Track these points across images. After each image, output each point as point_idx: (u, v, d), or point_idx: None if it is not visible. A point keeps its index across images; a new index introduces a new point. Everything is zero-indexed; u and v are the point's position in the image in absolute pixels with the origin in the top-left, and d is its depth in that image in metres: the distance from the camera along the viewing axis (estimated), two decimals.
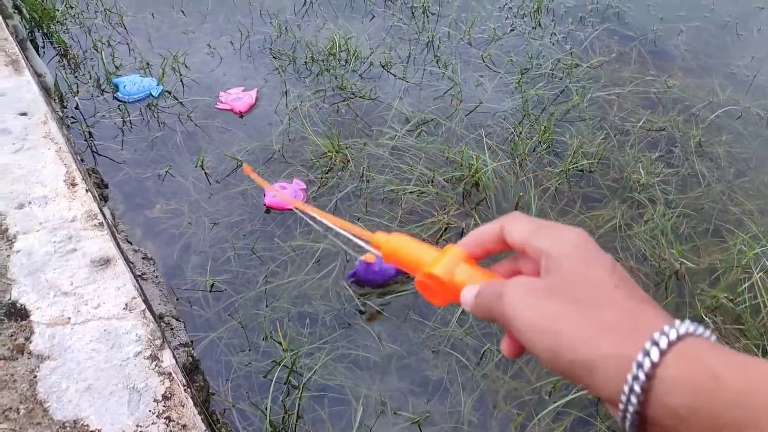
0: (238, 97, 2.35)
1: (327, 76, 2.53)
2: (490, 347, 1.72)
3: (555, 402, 1.62)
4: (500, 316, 0.41)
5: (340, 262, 1.90)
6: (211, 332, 1.71)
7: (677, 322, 0.35)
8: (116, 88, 2.32)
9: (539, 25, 2.86)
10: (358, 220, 2.00)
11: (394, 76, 2.56)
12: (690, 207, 2.09)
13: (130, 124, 2.27)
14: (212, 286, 1.81)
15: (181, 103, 2.37)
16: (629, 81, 2.57)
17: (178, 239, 1.94)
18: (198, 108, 2.36)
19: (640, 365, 0.33)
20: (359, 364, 1.69)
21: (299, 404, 1.55)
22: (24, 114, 1.34)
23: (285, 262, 1.90)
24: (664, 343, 0.34)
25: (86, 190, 1.21)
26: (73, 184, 1.23)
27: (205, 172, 2.13)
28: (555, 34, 2.80)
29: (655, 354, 0.33)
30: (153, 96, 2.33)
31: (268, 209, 2.03)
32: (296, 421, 1.52)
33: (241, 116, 2.34)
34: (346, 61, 2.61)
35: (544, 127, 2.28)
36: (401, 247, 0.51)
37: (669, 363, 0.33)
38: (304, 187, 2.06)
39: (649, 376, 0.33)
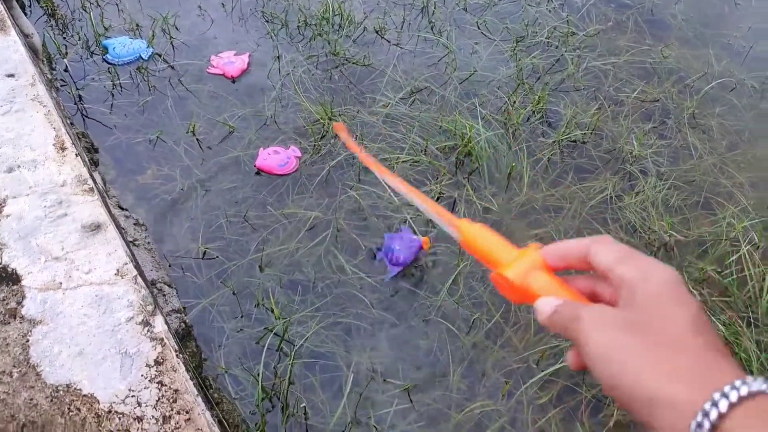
0: (230, 62, 2.31)
1: (320, 41, 2.49)
2: (480, 316, 1.74)
3: (543, 371, 1.65)
4: (574, 337, 0.42)
5: (332, 231, 1.90)
6: (204, 299, 1.72)
7: (750, 378, 0.35)
8: (105, 50, 2.27)
9: None
10: (351, 188, 2.00)
11: (388, 42, 2.52)
12: (681, 179, 2.10)
13: (120, 87, 2.23)
14: (204, 253, 1.81)
15: (171, 66, 2.33)
16: (625, 50, 2.54)
17: (170, 205, 1.93)
18: (189, 72, 2.33)
19: (706, 414, 0.33)
20: (350, 332, 1.71)
21: (291, 371, 1.57)
22: (11, 76, 1.32)
23: (277, 230, 1.90)
24: (734, 397, 0.33)
25: (76, 155, 1.20)
26: (63, 149, 1.21)
27: (197, 138, 2.11)
28: (552, 1, 2.75)
29: (723, 405, 0.33)
30: (143, 59, 2.29)
31: (259, 171, 2.02)
32: (287, 387, 1.54)
33: (233, 81, 2.30)
34: (340, 26, 2.56)
35: (539, 97, 2.27)
36: (482, 238, 0.51)
37: (736, 416, 0.33)
38: (299, 155, 2.05)
39: (714, 426, 0.33)
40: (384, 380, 1.60)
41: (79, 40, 2.36)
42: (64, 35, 2.40)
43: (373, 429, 1.53)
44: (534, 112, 2.26)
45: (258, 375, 1.54)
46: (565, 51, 2.52)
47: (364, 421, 1.54)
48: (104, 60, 2.28)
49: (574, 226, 1.98)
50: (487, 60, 2.46)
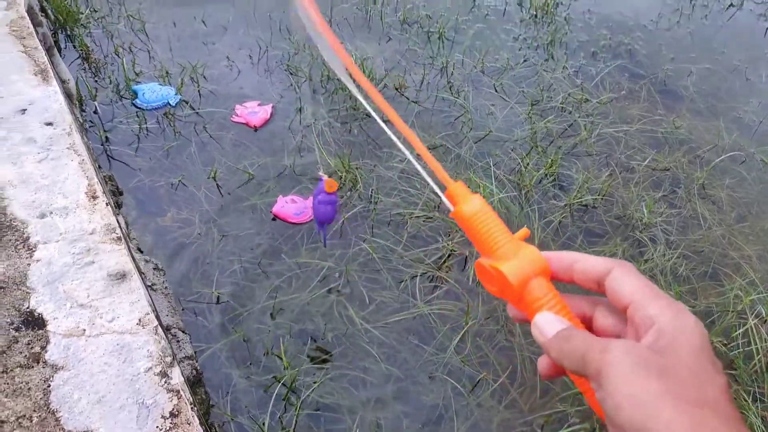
0: (253, 111, 2.40)
1: (341, 95, 2.58)
2: (486, 376, 1.75)
3: None
4: (595, 370, 0.38)
5: (343, 282, 1.94)
6: (214, 344, 1.74)
7: None
8: (135, 94, 2.36)
9: (552, 57, 2.91)
10: (364, 241, 2.04)
11: (408, 99, 2.61)
12: (690, 249, 2.13)
13: (147, 131, 2.31)
14: (218, 298, 1.85)
15: (197, 113, 2.42)
16: (637, 119, 2.61)
17: (187, 249, 1.98)
18: (214, 119, 2.41)
19: None
20: (357, 384, 1.73)
21: (296, 422, 1.58)
22: (50, 124, 1.39)
23: (290, 278, 1.94)
24: None
25: (106, 204, 1.25)
26: (94, 197, 1.27)
27: (217, 184, 2.17)
28: (567, 67, 2.84)
29: None
30: (170, 105, 2.38)
31: (275, 218, 2.07)
32: None
33: (256, 130, 2.38)
34: None
35: (552, 160, 2.33)
36: (479, 213, 0.45)
37: None
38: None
39: None
40: None
41: (110, 83, 2.46)
42: (96, 78, 2.50)
43: None
44: (546, 175, 2.31)
45: (264, 425, 1.55)
46: (579, 117, 2.59)
47: None
48: (133, 104, 2.37)
49: (581, 292, 2.00)
50: (502, 121, 2.54)
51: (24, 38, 1.62)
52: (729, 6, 3.56)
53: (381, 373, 1.75)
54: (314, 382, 1.66)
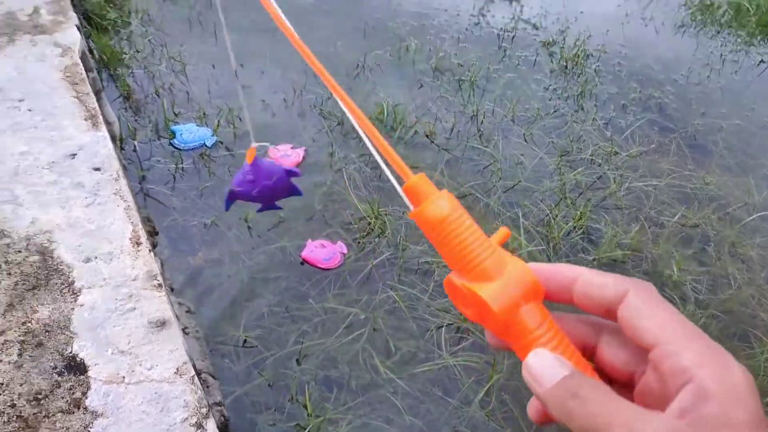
0: (286, 154, 2.45)
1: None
2: None
3: None
4: None
5: (368, 329, 1.94)
6: (239, 388, 1.76)
7: None
8: (173, 134, 2.44)
9: (582, 108, 2.94)
10: (391, 288, 2.06)
11: (438, 146, 2.65)
12: (720, 308, 2.10)
13: (182, 171, 2.38)
14: (245, 341, 1.86)
15: (231, 154, 2.48)
16: (667, 173, 2.61)
17: (216, 289, 2.01)
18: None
19: None
20: None
21: None
22: (98, 169, 1.44)
23: (316, 324, 1.95)
24: None
25: (149, 251, 1.29)
26: (138, 243, 1.30)
27: (248, 226, 2.21)
28: (596, 119, 2.87)
29: None
30: (206, 146, 2.44)
31: (303, 262, 2.10)
32: None
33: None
34: (392, 128, 2.71)
35: (580, 213, 2.33)
36: (449, 217, 0.34)
37: None
38: (345, 251, 2.13)
39: None
40: None
41: (149, 123, 2.55)
42: (136, 117, 2.58)
43: None
44: (575, 227, 2.32)
45: None
46: (608, 169, 2.60)
47: None
48: (170, 144, 2.44)
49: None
50: (531, 171, 2.56)
51: (76, 84, 1.69)
52: (759, 62, 3.58)
53: (404, 424, 1.74)
54: (338, 431, 1.66)
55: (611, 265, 2.22)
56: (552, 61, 3.27)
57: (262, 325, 1.92)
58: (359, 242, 2.20)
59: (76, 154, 1.46)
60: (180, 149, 2.43)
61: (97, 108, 1.60)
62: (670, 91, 3.14)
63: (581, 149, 2.68)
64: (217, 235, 2.18)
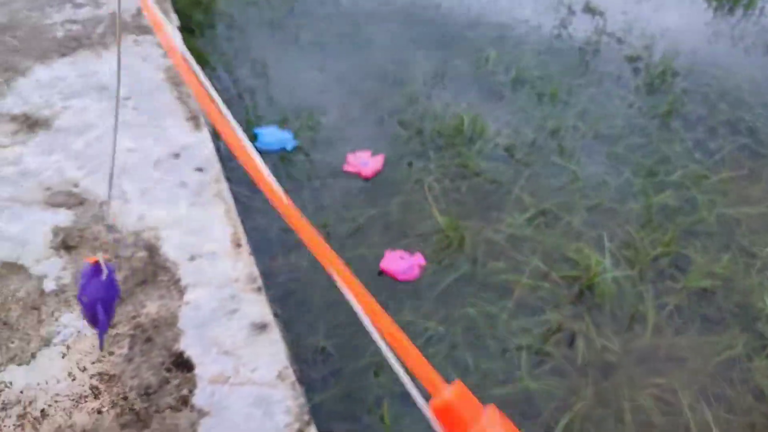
0: (365, 162, 2.46)
1: (451, 152, 2.60)
2: None
3: None
4: None
5: (446, 345, 1.91)
6: (316, 396, 1.75)
7: None
8: (255, 137, 2.48)
9: (669, 129, 2.84)
10: (469, 305, 2.02)
11: (517, 161, 2.60)
12: None
13: None
14: (323, 349, 1.86)
15: (310, 160, 2.51)
16: (759, 201, 2.48)
17: (294, 295, 2.02)
18: (326, 166, 2.48)
19: None
20: None
21: None
22: (200, 170, 1.47)
23: None
24: None
25: (249, 253, 1.30)
26: (238, 245, 1.32)
27: (327, 232, 2.22)
28: (684, 140, 2.76)
29: None
30: (287, 150, 2.47)
31: (381, 272, 2.09)
32: None
33: (366, 180, 2.43)
34: (471, 140, 2.67)
35: (669, 238, 2.24)
36: None
37: None
38: (423, 263, 2.11)
39: None
40: None
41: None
42: None
43: None
44: (662, 253, 2.22)
45: None
46: (697, 193, 2.49)
47: None
48: (253, 146, 2.48)
49: (697, 381, 1.89)
50: (615, 191, 2.48)
51: (178, 85, 1.74)
52: None
53: None
54: None
55: (700, 295, 2.12)
56: (637, 78, 3.17)
57: (340, 334, 1.92)
58: (437, 255, 2.17)
59: (179, 154, 1.50)
60: (262, 151, 2.46)
61: (199, 109, 1.64)
62: (762, 114, 2.99)
63: (669, 171, 2.58)
64: (297, 241, 2.19)
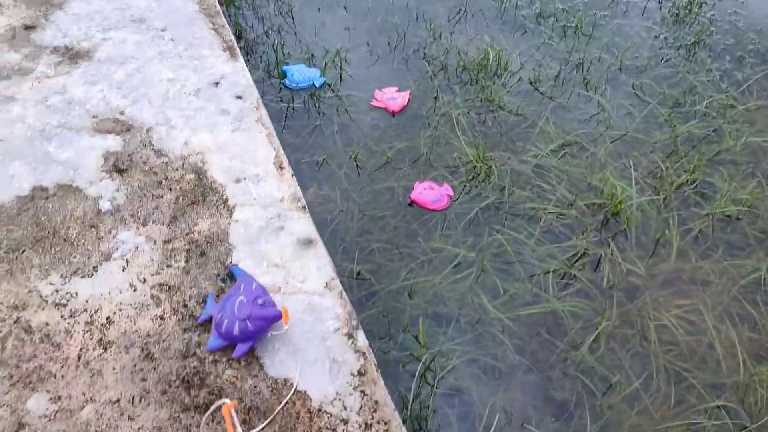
0: (392, 97, 2.48)
1: (476, 86, 2.61)
2: (620, 380, 1.74)
3: None
4: None
5: (475, 270, 1.97)
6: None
7: None
8: (284, 75, 2.50)
9: (695, 59, 2.80)
10: (497, 232, 2.07)
11: (542, 94, 2.60)
12: None
13: (293, 110, 2.44)
14: (358, 273, 1.94)
15: (338, 96, 2.53)
16: None
17: (328, 224, 2.08)
18: (354, 102, 2.51)
19: None
20: (486, 370, 1.77)
21: (433, 399, 1.64)
22: (239, 97, 1.51)
23: (424, 262, 2.00)
24: None
25: (291, 175, 1.35)
26: (281, 168, 1.37)
27: (357, 165, 2.26)
28: (711, 70, 2.73)
29: None
30: (315, 86, 2.50)
31: (412, 203, 2.14)
32: (428, 416, 1.61)
33: (393, 115, 2.46)
34: (495, 74, 2.67)
35: (694, 166, 2.25)
36: None
37: None
38: (452, 193, 2.15)
39: None
40: (522, 425, 1.64)
41: (261, 62, 2.61)
42: (248, 57, 2.65)
43: None
44: (688, 181, 2.25)
45: (408, 399, 1.62)
46: (723, 122, 2.48)
47: None
48: (281, 84, 2.51)
49: (722, 303, 1.94)
50: (640, 122, 2.48)
51: (212, 17, 1.76)
52: None
53: (512, 362, 1.78)
54: (446, 364, 1.71)
55: (725, 221, 2.15)
56: (662, 8, 3.11)
57: (373, 261, 1.99)
58: (465, 186, 2.22)
59: (219, 83, 1.53)
60: (291, 89, 2.49)
61: (233, 40, 1.66)
62: None
63: (695, 101, 2.57)
64: (328, 173, 2.24)
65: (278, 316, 1.02)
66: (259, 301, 0.92)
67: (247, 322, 0.96)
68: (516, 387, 1.74)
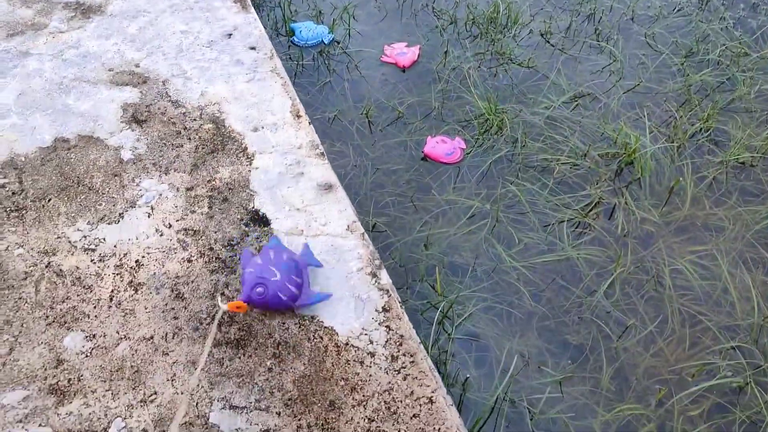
0: (402, 52, 2.46)
1: (486, 40, 2.58)
2: (635, 323, 1.77)
3: (697, 386, 1.66)
4: None
5: (490, 221, 1.99)
6: None
7: None
8: (293, 32, 2.48)
9: (708, 7, 2.76)
10: (511, 183, 2.08)
11: (553, 46, 2.57)
12: None
13: (302, 67, 2.43)
14: (374, 225, 1.95)
15: (346, 53, 2.51)
16: None
17: (342, 179, 2.08)
18: (363, 58, 2.49)
19: None
20: (503, 317, 1.79)
21: (451, 344, 1.68)
22: (253, 48, 1.50)
23: (438, 214, 2.01)
24: None
25: (309, 123, 1.36)
26: (298, 116, 1.37)
27: (369, 120, 2.26)
28: (725, 18, 2.69)
29: None
30: (324, 43, 2.48)
31: (425, 157, 2.14)
32: (447, 360, 1.65)
33: (404, 70, 2.44)
34: (506, 27, 2.64)
35: (707, 115, 2.24)
36: None
37: None
38: (464, 146, 2.16)
39: None
40: (539, 367, 1.67)
41: (269, 20, 2.59)
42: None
43: (526, 410, 1.60)
44: (701, 129, 2.24)
45: (428, 345, 1.65)
46: (737, 71, 2.46)
47: (517, 401, 1.62)
48: (290, 41, 2.49)
49: (736, 248, 1.95)
50: (654, 72, 2.46)
51: None
52: None
53: (528, 309, 1.81)
54: (463, 312, 1.74)
55: (739, 168, 2.14)
56: None
57: (388, 214, 2.00)
58: (477, 139, 2.21)
59: (231, 34, 1.53)
60: (300, 46, 2.47)
61: None
62: None
63: (708, 50, 2.54)
64: (340, 128, 2.25)
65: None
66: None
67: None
68: (532, 332, 1.77)
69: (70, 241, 1.20)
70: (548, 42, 2.60)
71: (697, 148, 2.20)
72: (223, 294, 1.04)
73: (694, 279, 1.87)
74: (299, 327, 1.06)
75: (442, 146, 2.15)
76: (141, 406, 1.00)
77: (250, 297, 1.03)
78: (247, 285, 1.03)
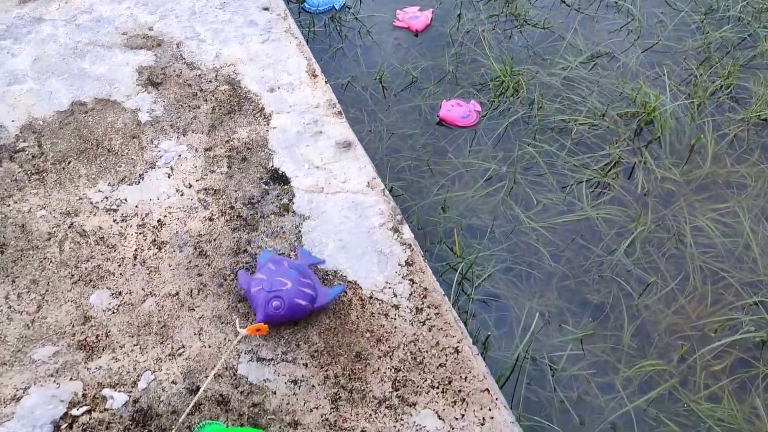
0: (414, 16, 2.42)
1: (500, 1, 2.54)
2: (656, 281, 1.76)
3: (719, 341, 1.65)
4: None
5: (507, 183, 1.97)
6: None
7: None
8: None
9: None
10: (528, 145, 2.06)
11: (569, 6, 2.52)
12: None
13: (314, 34, 2.40)
14: (391, 189, 1.95)
15: (357, 19, 2.48)
16: None
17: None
18: (375, 24, 2.46)
19: None
20: (522, 278, 1.79)
21: (471, 305, 1.68)
22: (266, 9, 1.49)
23: (454, 177, 2.00)
24: None
25: (325, 82, 1.34)
26: (314, 75, 1.36)
27: (383, 86, 2.24)
28: None
29: None
30: (335, 9, 2.45)
31: (441, 121, 2.12)
32: (467, 320, 1.65)
33: (417, 35, 2.41)
34: None
35: (728, 72, 2.19)
36: None
37: None
38: (479, 109, 2.13)
39: None
40: (560, 325, 1.67)
41: None
42: None
43: (548, 367, 1.61)
44: (722, 87, 2.19)
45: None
46: (758, 27, 2.40)
47: (538, 359, 1.63)
48: (301, 8, 2.46)
49: (758, 205, 1.92)
50: (672, 30, 2.40)
51: None
52: None
53: (547, 270, 1.80)
54: (483, 273, 1.74)
55: (761, 125, 2.10)
56: None
57: (404, 178, 1.99)
58: (493, 101, 2.19)
59: None
60: (311, 12, 2.45)
61: None
62: None
63: (728, 6, 2.48)
64: (354, 95, 2.23)
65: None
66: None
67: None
68: (552, 292, 1.77)
69: (92, 202, 1.21)
70: (564, 2, 2.55)
71: (718, 105, 2.16)
72: (237, 314, 0.98)
73: (716, 236, 1.84)
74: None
75: (457, 109, 2.12)
76: (169, 359, 1.01)
77: (268, 314, 1.01)
78: (261, 303, 1.00)
